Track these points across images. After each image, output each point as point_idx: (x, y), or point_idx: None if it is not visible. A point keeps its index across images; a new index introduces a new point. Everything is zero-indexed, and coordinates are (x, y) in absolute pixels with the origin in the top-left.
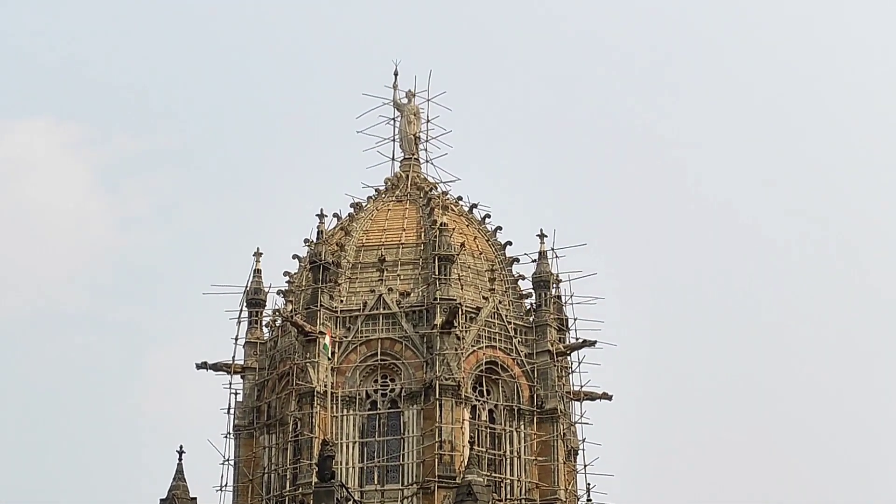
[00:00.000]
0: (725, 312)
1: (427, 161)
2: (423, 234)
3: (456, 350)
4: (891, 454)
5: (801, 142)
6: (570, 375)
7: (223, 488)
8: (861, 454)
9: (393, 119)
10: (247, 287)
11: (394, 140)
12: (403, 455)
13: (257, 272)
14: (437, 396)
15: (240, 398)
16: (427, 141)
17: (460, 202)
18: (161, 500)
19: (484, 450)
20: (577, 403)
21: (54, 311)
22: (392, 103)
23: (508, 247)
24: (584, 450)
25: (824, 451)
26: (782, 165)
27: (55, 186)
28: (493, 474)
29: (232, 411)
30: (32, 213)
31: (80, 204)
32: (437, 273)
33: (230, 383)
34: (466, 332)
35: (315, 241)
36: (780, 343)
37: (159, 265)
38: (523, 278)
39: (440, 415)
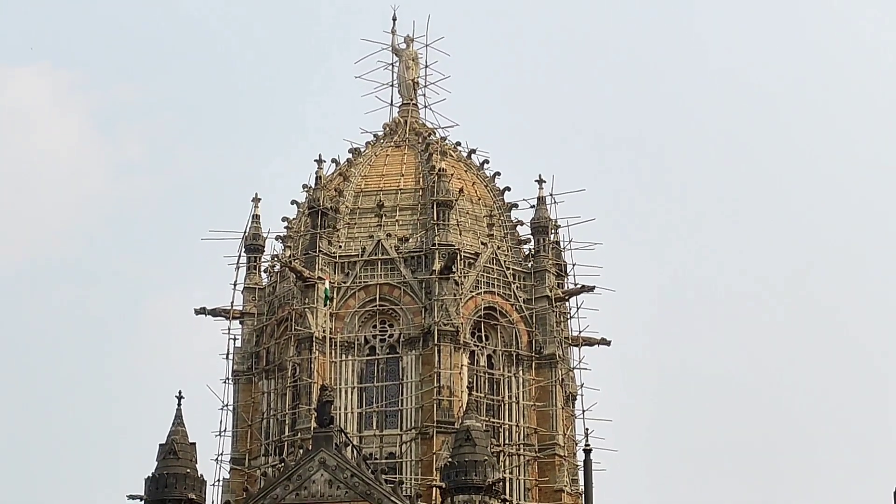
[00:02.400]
0: (725, 257)
1: (425, 107)
2: (421, 180)
3: (454, 296)
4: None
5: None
6: (569, 321)
7: (222, 433)
8: (859, 408)
9: (391, 64)
10: (245, 233)
11: (392, 86)
12: (402, 400)
13: (255, 218)
14: (436, 342)
15: (238, 344)
16: (425, 86)
17: (459, 148)
18: (160, 445)
19: (482, 395)
20: (575, 349)
21: (51, 259)
22: (390, 49)
23: (507, 192)
24: (582, 395)
25: (822, 385)
26: (789, 109)
27: (50, 133)
28: (492, 419)
29: (230, 357)
30: (28, 161)
31: (76, 151)
32: (435, 219)
33: (229, 329)
34: (465, 277)
35: (313, 186)
36: (781, 285)
37: (156, 211)
38: (522, 224)
39: (439, 360)
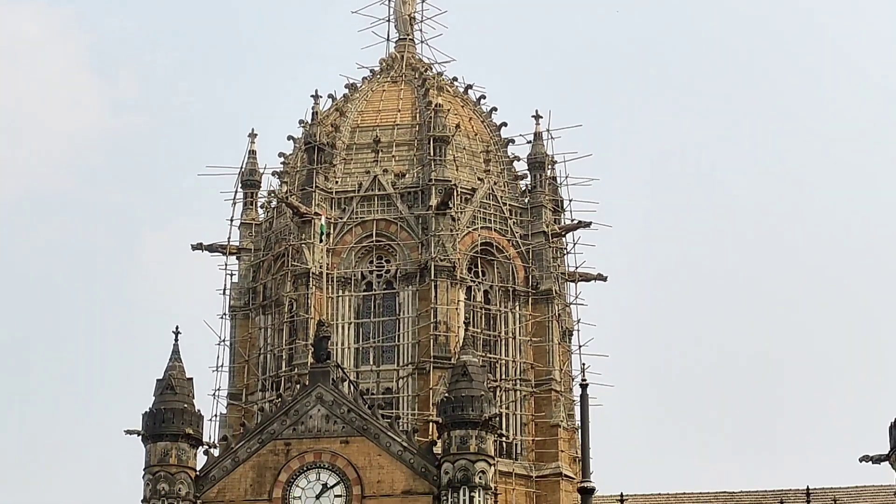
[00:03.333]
0: (721, 193)
1: (422, 41)
2: (418, 115)
3: (451, 231)
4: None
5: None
6: (565, 256)
7: (219, 369)
8: (858, 341)
9: None
10: (242, 168)
11: (388, 20)
12: (398, 336)
13: (252, 153)
14: (433, 277)
15: (235, 279)
16: (422, 21)
17: (455, 83)
18: (157, 380)
19: (479, 330)
20: (571, 284)
21: (47, 195)
22: None
23: (503, 128)
24: (578, 330)
25: (819, 326)
26: (788, 35)
27: (45, 69)
28: (488, 355)
29: (227, 292)
30: (22, 97)
31: (71, 87)
32: (432, 154)
33: (226, 264)
34: (461, 213)
35: (310, 121)
36: (777, 222)
37: (152, 147)
38: (518, 160)
39: (435, 296)
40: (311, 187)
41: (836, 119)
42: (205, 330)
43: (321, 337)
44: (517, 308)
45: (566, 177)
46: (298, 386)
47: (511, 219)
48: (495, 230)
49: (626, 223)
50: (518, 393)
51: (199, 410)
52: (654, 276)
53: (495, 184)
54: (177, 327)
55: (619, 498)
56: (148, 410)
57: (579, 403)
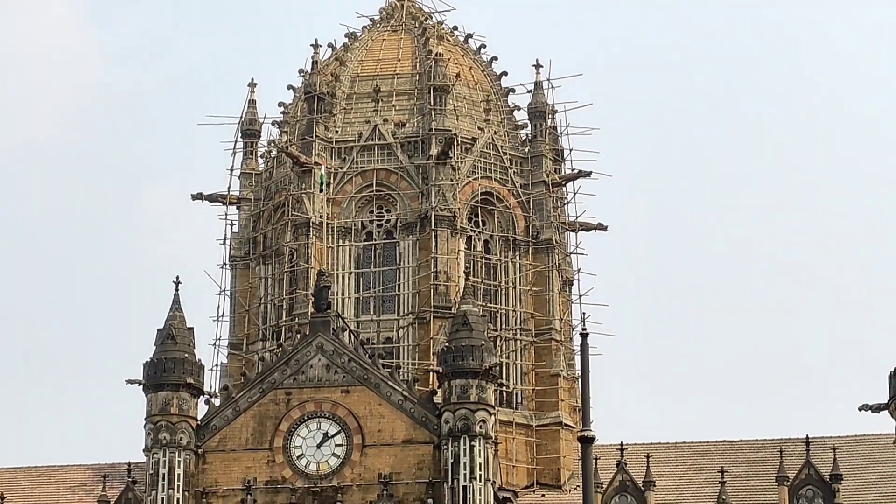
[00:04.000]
0: (723, 142)
1: None
2: (418, 65)
3: (451, 181)
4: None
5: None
6: (566, 206)
7: (220, 318)
8: (858, 288)
9: None
10: (241, 118)
11: None
12: (399, 285)
13: (252, 103)
14: (433, 227)
15: (235, 229)
16: None
17: (455, 32)
18: (158, 330)
19: (479, 280)
20: (572, 234)
21: (48, 146)
22: None
23: (504, 77)
24: (579, 280)
25: (820, 275)
26: None
27: (44, 21)
28: (489, 304)
29: (228, 242)
30: (22, 48)
31: (71, 38)
32: (432, 103)
33: (226, 214)
34: (462, 162)
35: (309, 71)
36: (778, 170)
37: (152, 98)
38: (519, 109)
39: (435, 245)
40: (311, 137)
41: (838, 72)
42: (205, 280)
43: (321, 287)
44: (517, 257)
45: (566, 126)
46: (299, 335)
47: (511, 168)
48: (495, 180)
49: (626, 172)
50: (518, 342)
51: (199, 360)
52: (655, 226)
53: (496, 133)
54: (177, 277)
55: (619, 447)
56: (149, 360)
57: (579, 353)
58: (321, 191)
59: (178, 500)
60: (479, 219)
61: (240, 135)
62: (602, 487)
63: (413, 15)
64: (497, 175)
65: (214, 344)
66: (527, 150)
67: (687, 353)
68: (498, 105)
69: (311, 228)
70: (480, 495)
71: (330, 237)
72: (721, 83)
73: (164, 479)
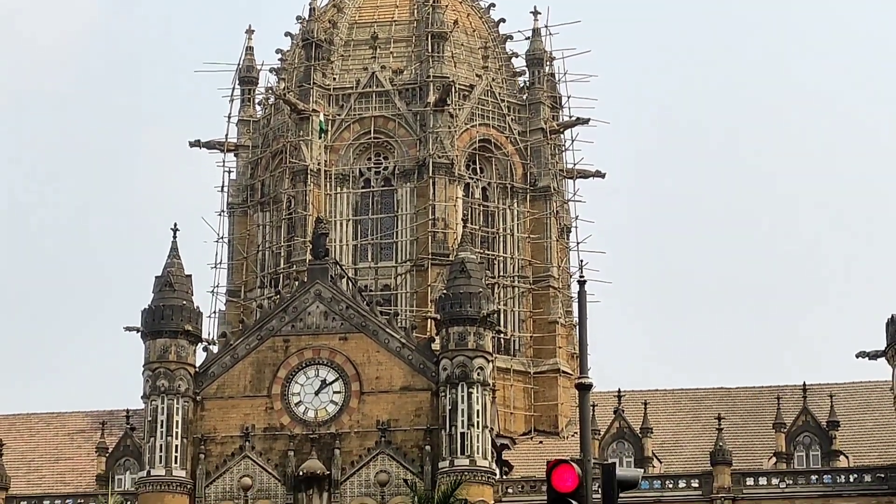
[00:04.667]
0: (723, 87)
1: None
2: (415, 12)
3: (449, 128)
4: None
5: None
6: (564, 153)
7: (218, 266)
8: (857, 239)
9: None
10: (239, 65)
11: None
12: (397, 233)
13: (249, 50)
14: (431, 174)
15: (233, 176)
16: None
17: None
18: (156, 277)
19: (477, 227)
20: (569, 181)
21: (46, 93)
22: None
23: (502, 24)
24: (576, 227)
25: (817, 223)
26: None
27: None
28: (486, 251)
29: (225, 189)
30: None
31: None
32: (430, 51)
33: (223, 161)
34: (459, 109)
35: (307, 18)
36: (780, 114)
37: (150, 44)
38: (517, 56)
39: (433, 193)
40: (309, 84)
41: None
42: (203, 227)
43: (319, 234)
44: (515, 205)
45: (565, 73)
46: (297, 283)
47: (509, 115)
48: (493, 127)
49: (624, 120)
50: (516, 290)
51: (197, 307)
52: (653, 173)
53: (493, 80)
54: (175, 224)
55: (617, 394)
56: (147, 307)
57: (577, 300)
58: (319, 138)
59: (176, 446)
60: (477, 166)
61: (237, 82)
62: (599, 434)
63: None
64: (495, 122)
65: (212, 291)
66: (525, 97)
67: (685, 300)
68: (496, 52)
69: (308, 176)
70: (478, 442)
71: (328, 184)
72: (720, 30)
73: (162, 426)
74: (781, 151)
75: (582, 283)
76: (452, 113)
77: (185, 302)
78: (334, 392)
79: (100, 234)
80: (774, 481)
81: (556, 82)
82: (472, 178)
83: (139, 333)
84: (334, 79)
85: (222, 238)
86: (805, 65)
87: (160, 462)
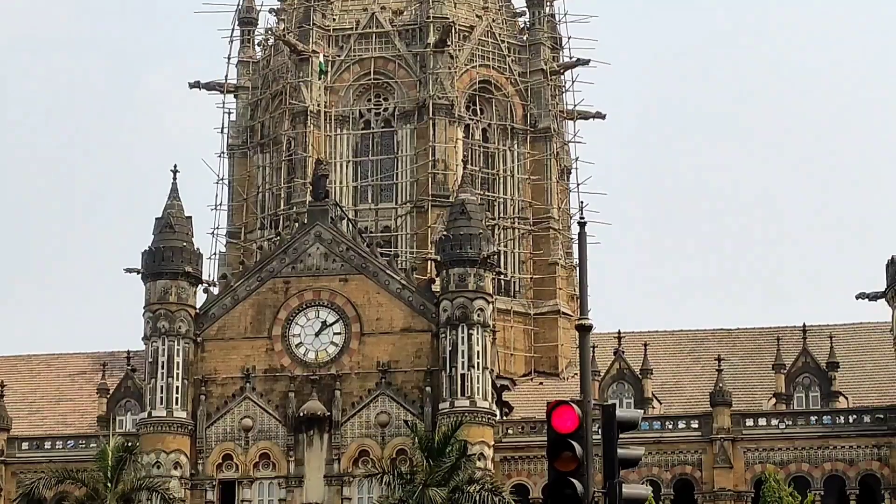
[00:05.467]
0: (723, 31)
1: None
2: None
3: (449, 69)
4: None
5: None
6: (564, 94)
7: (218, 207)
8: (858, 180)
9: None
10: (238, 5)
11: None
12: (397, 174)
13: None
14: (431, 115)
15: (233, 118)
16: None
17: None
18: (156, 218)
19: (477, 169)
20: (570, 122)
21: (46, 36)
22: None
23: None
24: (577, 168)
25: (818, 164)
26: None
27: None
28: (487, 193)
29: (225, 131)
30: None
31: None
32: None
33: (223, 102)
34: (460, 50)
35: None
36: (780, 60)
37: None
38: None
39: (433, 134)
40: (309, 25)
41: None
42: (203, 168)
43: (320, 175)
44: (515, 146)
45: (565, 13)
46: (297, 224)
47: (509, 56)
48: (493, 68)
49: (625, 61)
50: (516, 231)
51: (198, 249)
52: (653, 114)
53: (493, 21)
54: (175, 166)
55: (617, 335)
56: (147, 249)
57: (577, 241)
58: (319, 79)
59: (177, 388)
60: (477, 107)
61: (237, 23)
62: (600, 375)
63: None
64: (495, 63)
65: (213, 233)
66: (525, 38)
67: (685, 241)
68: None
69: (308, 117)
70: (478, 383)
71: (328, 126)
72: None
73: (163, 368)
74: (783, 92)
75: (582, 224)
76: (452, 54)
77: (185, 243)
78: (335, 333)
79: (100, 176)
80: (774, 422)
81: (557, 23)
82: (473, 120)
83: (140, 275)
84: (334, 19)
85: (222, 179)
86: (809, 8)
87: (161, 403)
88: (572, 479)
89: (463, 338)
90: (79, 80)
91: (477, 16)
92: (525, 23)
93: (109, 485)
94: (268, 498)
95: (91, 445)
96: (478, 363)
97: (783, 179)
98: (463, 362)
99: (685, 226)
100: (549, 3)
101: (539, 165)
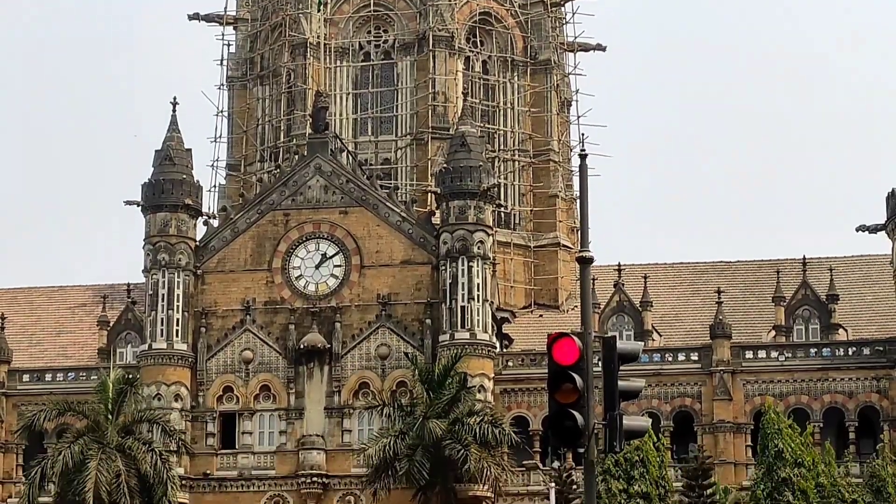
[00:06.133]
0: None
1: None
2: None
3: (449, 1)
4: None
5: None
6: (564, 26)
7: (217, 139)
8: (859, 116)
9: None
10: None
11: None
12: (397, 106)
13: None
14: (431, 47)
15: (232, 50)
16: None
17: None
18: (156, 151)
19: (477, 101)
20: (570, 54)
21: None
22: None
23: None
24: (577, 101)
25: (818, 96)
26: None
27: None
28: (487, 125)
29: (225, 63)
30: None
31: None
32: None
33: (223, 34)
34: None
35: None
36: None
37: None
38: None
39: (433, 66)
40: None
41: None
42: (202, 101)
43: (319, 108)
44: (516, 78)
45: None
46: (297, 157)
47: None
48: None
49: None
50: (516, 163)
51: (198, 181)
52: (654, 46)
53: None
54: (174, 98)
55: (617, 268)
56: (147, 181)
57: (578, 174)
58: (318, 11)
59: (177, 320)
60: (477, 39)
61: None
62: (599, 308)
63: None
64: None
65: (212, 165)
66: None
67: (685, 174)
68: None
69: (308, 49)
70: (478, 315)
71: (327, 58)
72: None
73: (163, 300)
74: (784, 22)
75: (583, 156)
76: None
77: (185, 176)
78: (335, 266)
79: (99, 108)
80: (774, 354)
81: None
82: (473, 52)
83: (139, 207)
84: None
85: (222, 112)
86: None
87: (161, 335)
88: (573, 411)
89: (463, 270)
90: (77, 11)
91: None
92: None
93: (110, 417)
94: (268, 430)
95: (92, 378)
96: (478, 295)
97: (784, 111)
98: (463, 294)
99: (685, 158)
100: None
101: (539, 98)
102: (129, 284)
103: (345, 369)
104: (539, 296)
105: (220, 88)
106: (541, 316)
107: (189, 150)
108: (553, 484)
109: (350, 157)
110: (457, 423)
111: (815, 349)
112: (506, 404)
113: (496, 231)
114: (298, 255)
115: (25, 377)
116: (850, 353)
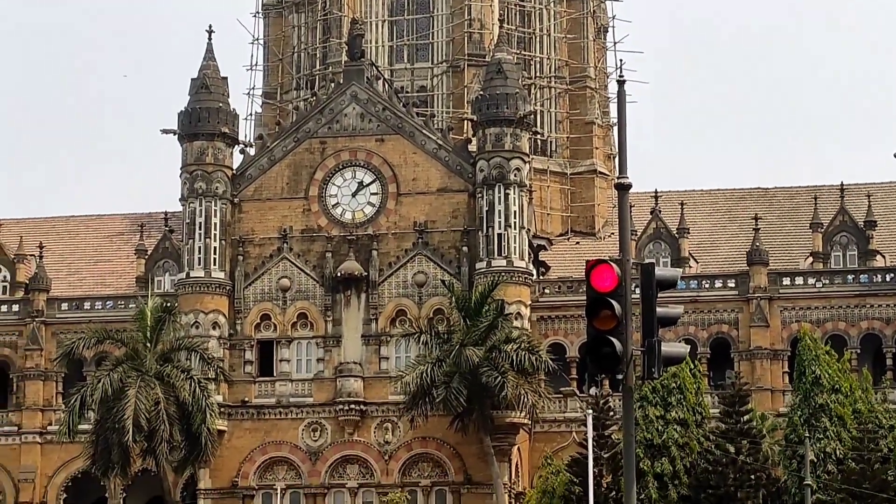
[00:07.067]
0: None
1: None
2: None
3: None
4: None
5: None
6: None
7: (253, 68)
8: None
9: None
10: None
11: None
12: (433, 33)
13: None
14: None
15: None
16: None
17: None
18: (192, 79)
19: (513, 28)
20: None
21: None
22: None
23: None
24: (613, 27)
25: (856, 22)
26: None
27: None
28: (523, 52)
29: None
30: None
31: None
32: None
33: None
34: None
35: None
36: None
37: None
38: None
39: None
40: None
41: None
42: (238, 28)
43: (355, 35)
44: (552, 4)
45: None
46: (333, 84)
47: None
48: None
49: None
50: (553, 90)
51: (234, 109)
52: None
53: None
54: (210, 26)
55: (654, 194)
56: (183, 109)
57: (615, 100)
58: None
59: (214, 248)
60: None
61: None
62: (636, 235)
63: None
64: None
65: (248, 93)
66: None
67: (722, 100)
68: None
69: None
70: (515, 243)
71: None
72: None
73: (200, 228)
74: None
75: (621, 82)
76: None
77: (221, 104)
78: (371, 194)
79: (135, 37)
80: (811, 281)
81: None
82: None
83: (176, 136)
84: None
85: (257, 40)
86: None
87: (199, 264)
88: (611, 338)
89: (499, 197)
90: None
91: None
92: None
93: (149, 345)
94: (306, 357)
95: (130, 306)
96: (514, 223)
97: (822, 36)
98: (499, 222)
99: (722, 85)
100: None
101: (576, 24)
102: (166, 213)
103: (382, 297)
104: (575, 223)
105: (255, 16)
106: (577, 243)
107: (225, 78)
108: (590, 410)
109: (386, 85)
110: (493, 350)
111: (853, 275)
112: (542, 331)
113: (532, 158)
114: (335, 183)
115: (64, 305)
116: (887, 279)
